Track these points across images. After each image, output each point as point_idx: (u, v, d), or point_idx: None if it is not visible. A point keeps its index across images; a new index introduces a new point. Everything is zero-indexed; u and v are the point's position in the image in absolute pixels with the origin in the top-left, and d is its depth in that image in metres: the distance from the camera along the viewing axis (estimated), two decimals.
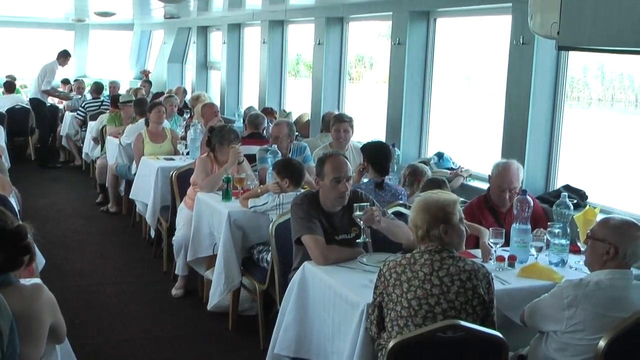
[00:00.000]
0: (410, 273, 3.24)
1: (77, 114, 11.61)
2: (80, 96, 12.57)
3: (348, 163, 4.34)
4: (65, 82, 13.80)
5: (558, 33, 4.12)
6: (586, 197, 5.33)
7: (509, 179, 4.76)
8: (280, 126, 6.48)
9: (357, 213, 4.10)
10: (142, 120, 8.36)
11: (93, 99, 11.90)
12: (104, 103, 11.46)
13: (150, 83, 13.42)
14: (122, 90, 12.36)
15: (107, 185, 8.98)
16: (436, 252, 3.28)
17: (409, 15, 7.14)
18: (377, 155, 5.36)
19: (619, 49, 4.15)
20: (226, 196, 5.52)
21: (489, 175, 4.95)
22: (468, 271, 3.23)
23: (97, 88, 12.09)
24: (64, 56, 12.02)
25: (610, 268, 3.32)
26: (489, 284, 3.30)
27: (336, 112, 8.09)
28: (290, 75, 11.33)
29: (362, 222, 4.10)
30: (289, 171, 5.10)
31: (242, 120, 9.09)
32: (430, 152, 7.17)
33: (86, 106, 11.56)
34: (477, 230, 4.37)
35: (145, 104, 8.66)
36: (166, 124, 8.41)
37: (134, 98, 9.83)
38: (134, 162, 8.03)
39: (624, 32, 3.70)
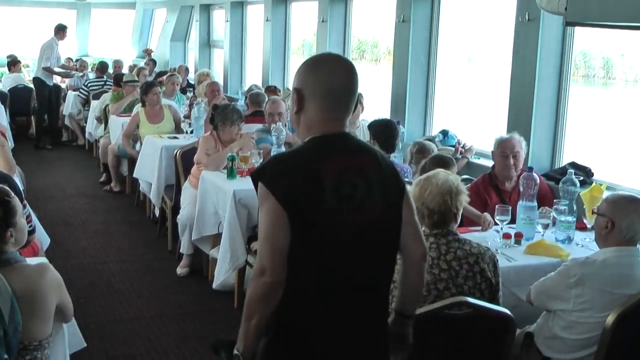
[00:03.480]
0: None
1: (80, 92, 11.57)
2: (82, 74, 12.50)
3: None
4: (69, 60, 13.68)
5: (566, 9, 4.09)
6: (592, 175, 5.31)
7: (511, 144, 4.83)
8: (278, 103, 6.37)
9: None
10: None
11: (96, 77, 11.85)
12: (107, 82, 11.41)
13: (154, 62, 13.36)
14: (125, 69, 12.27)
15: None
16: (442, 235, 3.23)
17: None
18: (383, 133, 5.36)
19: (627, 24, 4.12)
20: (231, 174, 5.50)
21: (492, 151, 4.95)
22: (475, 254, 3.20)
23: (102, 67, 12.02)
24: (61, 30, 11.85)
25: (612, 244, 3.31)
26: (495, 267, 3.27)
27: None
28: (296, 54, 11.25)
29: None
30: None
31: (244, 99, 9.06)
32: (434, 130, 7.13)
33: (89, 85, 11.53)
34: (477, 216, 4.40)
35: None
36: (167, 101, 8.37)
37: (136, 78, 9.77)
38: (137, 141, 8.00)
39: (632, 7, 3.67)
